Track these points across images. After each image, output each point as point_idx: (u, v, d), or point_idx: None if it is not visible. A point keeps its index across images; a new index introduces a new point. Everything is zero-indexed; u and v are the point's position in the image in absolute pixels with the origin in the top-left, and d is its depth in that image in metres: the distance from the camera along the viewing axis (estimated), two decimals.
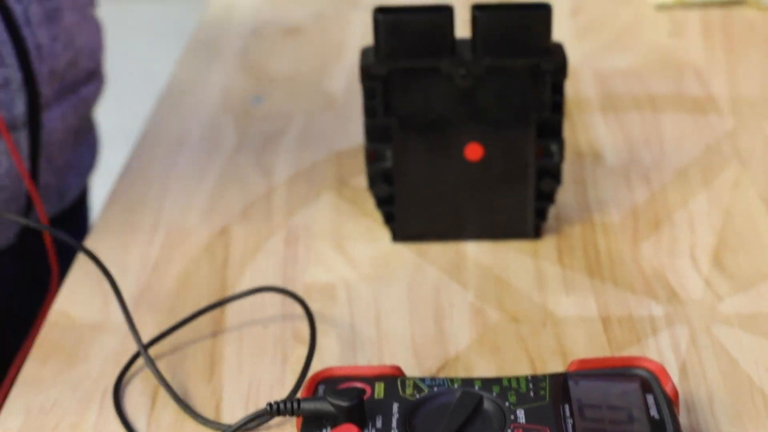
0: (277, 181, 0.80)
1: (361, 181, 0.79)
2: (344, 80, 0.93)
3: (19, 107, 0.77)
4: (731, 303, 0.66)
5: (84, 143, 0.92)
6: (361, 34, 1.02)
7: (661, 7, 1.06)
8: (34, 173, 0.81)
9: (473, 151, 0.68)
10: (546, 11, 0.64)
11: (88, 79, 0.88)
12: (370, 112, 0.67)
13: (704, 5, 1.06)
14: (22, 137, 0.78)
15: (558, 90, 0.66)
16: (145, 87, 3.03)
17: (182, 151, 0.84)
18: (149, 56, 3.26)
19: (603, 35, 1.00)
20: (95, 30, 0.89)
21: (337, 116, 0.88)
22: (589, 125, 0.85)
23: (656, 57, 0.95)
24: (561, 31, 0.99)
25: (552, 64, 0.65)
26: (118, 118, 2.86)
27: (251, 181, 0.80)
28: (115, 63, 3.27)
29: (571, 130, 0.84)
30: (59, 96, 0.83)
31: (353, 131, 0.85)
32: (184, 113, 0.90)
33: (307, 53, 0.99)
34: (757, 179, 0.77)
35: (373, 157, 0.69)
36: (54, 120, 0.82)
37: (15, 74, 0.76)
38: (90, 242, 0.74)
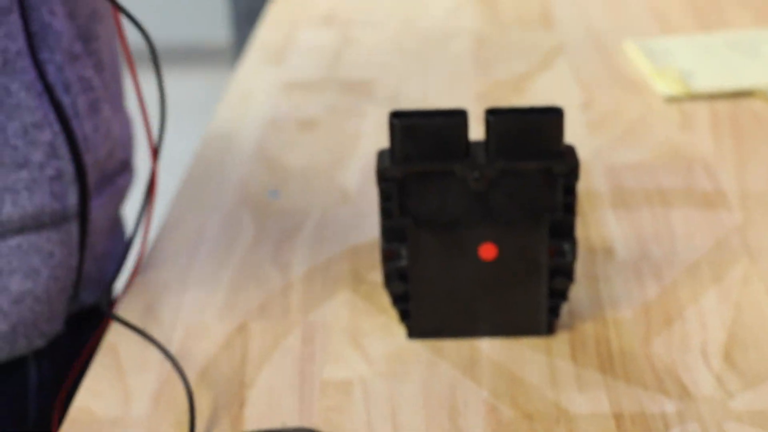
0: (293, 277, 0.81)
1: (376, 276, 0.80)
2: (358, 174, 0.95)
3: (72, 199, 0.80)
4: (742, 399, 0.67)
5: (117, 233, 0.95)
6: (374, 127, 1.04)
7: (671, 100, 1.08)
8: (80, 264, 0.83)
9: (487, 251, 0.70)
10: (558, 116, 0.65)
11: (122, 169, 0.92)
12: (386, 213, 0.69)
13: (712, 97, 1.08)
14: (74, 228, 0.81)
15: (570, 191, 0.68)
16: (165, 167, 3.07)
17: (201, 245, 0.86)
18: (167, 134, 3.28)
19: (614, 129, 1.02)
20: (126, 121, 0.93)
21: (352, 211, 0.89)
22: (600, 221, 0.86)
23: (666, 150, 0.97)
24: (572, 125, 1.01)
25: (564, 167, 0.66)
26: (133, 195, 2.89)
27: (268, 276, 0.81)
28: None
29: (583, 226, 0.85)
30: (99, 187, 0.86)
31: (368, 226, 0.87)
32: (203, 206, 0.91)
33: (322, 146, 1.00)
34: (767, 276, 0.78)
35: (389, 257, 0.71)
36: (96, 209, 0.85)
37: (68, 166, 0.79)
38: (109, 338, 0.75)
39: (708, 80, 1.10)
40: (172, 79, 3.68)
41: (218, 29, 3.75)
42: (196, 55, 3.78)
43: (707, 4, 1.33)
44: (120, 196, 0.92)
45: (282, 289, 0.80)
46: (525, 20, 1.30)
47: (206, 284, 0.81)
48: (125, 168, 0.92)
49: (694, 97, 1.08)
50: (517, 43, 1.23)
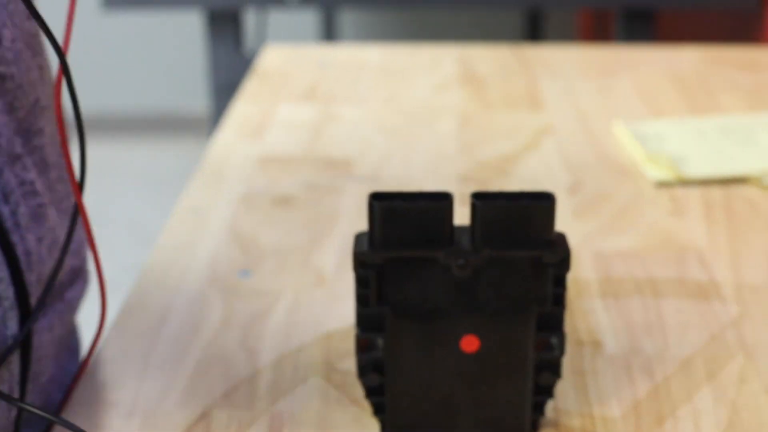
0: (262, 363, 0.76)
1: (350, 364, 0.76)
2: (335, 256, 0.91)
3: (12, 327, 0.67)
4: None
5: (66, 351, 0.82)
6: (353, 206, 0.99)
7: (662, 185, 1.04)
8: (22, 397, 0.70)
9: (469, 343, 0.65)
10: (549, 203, 0.61)
11: (73, 279, 0.79)
12: (362, 300, 0.64)
13: (705, 183, 1.04)
14: (14, 361, 0.68)
15: (560, 282, 0.63)
16: (132, 236, 3.03)
17: (165, 326, 0.81)
18: (135, 202, 3.25)
19: (603, 214, 0.98)
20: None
21: (327, 294, 0.85)
22: (588, 311, 0.82)
23: (657, 238, 0.93)
24: (560, 209, 0.97)
25: (555, 256, 0.62)
26: (105, 267, 2.84)
27: (235, 362, 0.77)
28: (101, 210, 3.26)
29: (570, 316, 0.81)
30: (47, 305, 0.74)
31: (343, 310, 0.82)
32: (170, 284, 0.87)
33: (298, 225, 0.96)
34: (764, 373, 0.74)
35: (364, 347, 0.66)
36: (41, 333, 0.73)
37: (7, 289, 0.66)
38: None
39: (700, 166, 1.07)
40: (150, 148, 3.66)
41: (197, 99, 3.73)
42: (173, 125, 3.75)
43: (698, 88, 1.30)
44: (70, 311, 0.79)
45: (249, 376, 0.75)
46: (512, 101, 1.26)
47: (168, 369, 0.76)
48: (77, 277, 0.79)
49: (686, 182, 1.04)
50: (504, 124, 1.20)
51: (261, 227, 0.96)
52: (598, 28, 3.28)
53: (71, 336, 0.82)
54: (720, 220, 0.96)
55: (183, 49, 3.67)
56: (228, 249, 0.92)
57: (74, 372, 0.83)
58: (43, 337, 0.73)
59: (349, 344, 0.78)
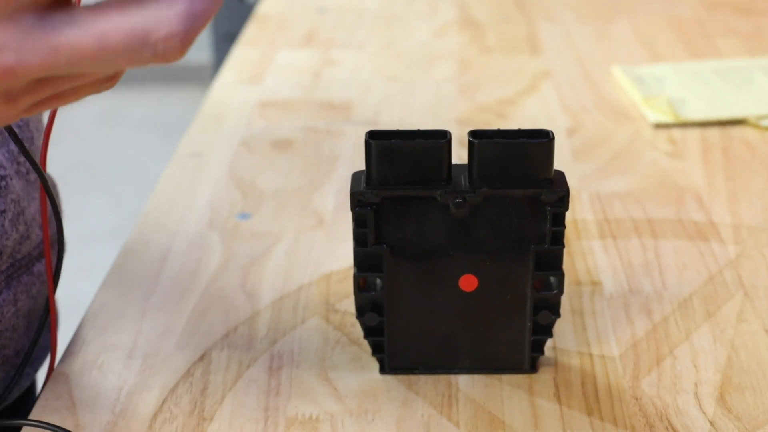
0: (261, 304, 0.77)
1: (349, 305, 0.76)
2: (334, 198, 0.91)
3: None
4: None
5: (38, 323, 0.78)
6: (352, 149, 0.99)
7: (660, 126, 1.04)
8: None
9: (468, 282, 0.65)
10: (548, 140, 0.61)
11: (42, 253, 0.77)
12: (360, 240, 0.64)
13: (703, 124, 1.04)
14: None
15: (558, 222, 0.63)
16: (136, 182, 3.02)
17: (164, 269, 0.81)
18: (142, 150, 3.25)
19: (601, 155, 0.98)
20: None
21: (326, 236, 0.85)
22: (587, 251, 0.82)
23: (655, 179, 0.93)
24: (558, 151, 0.97)
25: (553, 195, 0.62)
26: (106, 214, 2.84)
27: (235, 303, 0.77)
28: (105, 156, 3.25)
29: (568, 256, 0.81)
30: (10, 278, 0.74)
31: (342, 252, 0.82)
32: (169, 228, 0.87)
33: (297, 168, 0.96)
34: (763, 312, 0.74)
35: (362, 286, 0.66)
36: (3, 306, 0.73)
37: None
38: (62, 366, 0.71)
39: (698, 108, 1.06)
40: (153, 98, 3.65)
41: (199, 50, 3.71)
42: (178, 74, 3.73)
43: (696, 32, 1.29)
44: (41, 284, 0.77)
45: (249, 317, 0.75)
46: (511, 46, 1.26)
47: (168, 311, 0.76)
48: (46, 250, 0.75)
49: (684, 124, 1.04)
50: (503, 68, 1.19)
51: (260, 170, 0.96)
52: None
53: (44, 309, 0.77)
54: (718, 162, 0.96)
55: None
56: (228, 192, 0.92)
57: (45, 353, 0.82)
58: (7, 310, 0.73)
59: (348, 286, 0.78)
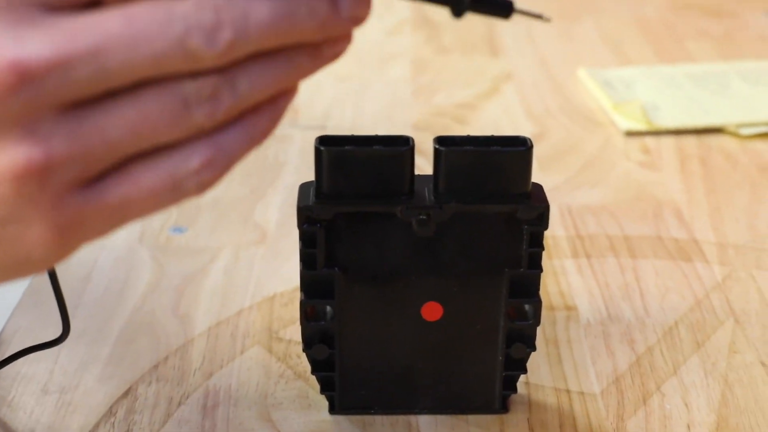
0: (196, 331, 0.68)
1: (295, 332, 0.67)
2: (278, 210, 0.82)
3: None
4: None
5: None
6: (299, 156, 0.91)
7: (631, 134, 0.96)
8: None
9: (431, 310, 0.57)
10: (526, 150, 0.53)
11: None
12: (308, 262, 0.55)
13: (678, 132, 0.96)
14: None
15: (536, 242, 0.55)
16: None
17: (88, 288, 0.72)
18: None
19: (569, 165, 0.90)
20: None
21: (269, 253, 0.76)
22: (560, 272, 0.74)
23: (630, 192, 0.85)
24: None
25: (531, 212, 0.54)
26: None
27: (166, 329, 0.68)
28: None
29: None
30: None
31: (287, 271, 0.74)
32: (94, 242, 0.77)
33: (237, 176, 0.87)
34: (756, 342, 0.67)
35: (310, 315, 0.58)
36: None
37: None
38: None
39: (673, 115, 0.99)
40: None
41: None
42: None
43: (665, 35, 1.22)
44: None
45: (181, 345, 0.66)
46: (468, 46, 1.18)
47: (90, 337, 0.67)
48: None
49: (658, 132, 0.96)
50: (461, 70, 1.11)
51: None
52: None
53: None
54: (696, 173, 0.89)
55: None
56: None
57: None
58: None
59: (294, 309, 0.69)
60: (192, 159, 0.40)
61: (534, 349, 0.58)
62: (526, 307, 0.58)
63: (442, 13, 1.25)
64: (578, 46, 1.19)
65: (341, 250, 0.55)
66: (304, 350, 0.58)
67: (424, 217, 0.54)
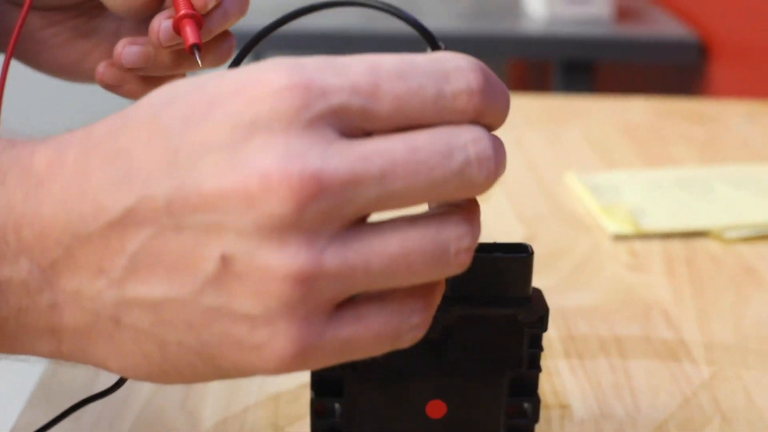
0: (202, 427, 0.70)
1: (301, 428, 0.70)
2: None
3: None
4: None
5: None
6: None
7: (619, 238, 0.99)
8: None
9: (436, 408, 0.59)
10: (527, 256, 0.56)
11: None
12: None
13: (664, 236, 1.00)
14: None
15: (536, 344, 0.58)
16: None
17: (98, 381, 0.74)
18: None
19: (560, 268, 0.93)
20: None
21: None
22: (553, 372, 0.76)
23: (619, 294, 0.88)
24: None
25: (532, 315, 0.57)
26: None
27: (175, 426, 0.70)
28: None
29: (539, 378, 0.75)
30: None
31: None
32: None
33: None
34: None
35: (320, 413, 0.60)
36: None
37: None
38: None
39: (659, 219, 1.02)
40: None
41: None
42: None
43: (650, 139, 1.26)
44: None
45: None
46: None
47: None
48: None
49: (645, 236, 1.00)
50: None
51: None
52: (534, 79, 3.26)
53: None
54: (683, 276, 0.92)
55: None
56: None
57: None
58: None
59: (300, 406, 0.72)
60: (414, 315, 0.43)
61: None
62: (525, 405, 0.60)
63: None
64: (566, 150, 1.22)
65: None
66: None
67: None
